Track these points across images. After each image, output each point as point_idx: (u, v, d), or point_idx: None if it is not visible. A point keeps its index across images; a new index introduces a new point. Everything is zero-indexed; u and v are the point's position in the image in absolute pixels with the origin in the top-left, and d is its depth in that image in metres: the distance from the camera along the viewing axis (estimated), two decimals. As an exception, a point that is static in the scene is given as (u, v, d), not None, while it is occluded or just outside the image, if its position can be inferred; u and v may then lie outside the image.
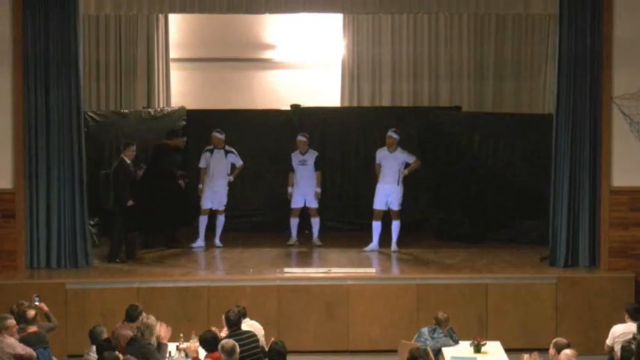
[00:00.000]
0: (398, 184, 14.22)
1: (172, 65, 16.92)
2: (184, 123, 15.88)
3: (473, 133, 15.80)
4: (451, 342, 10.32)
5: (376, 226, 14.34)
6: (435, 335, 10.25)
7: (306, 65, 17.01)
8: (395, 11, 14.77)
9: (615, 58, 12.75)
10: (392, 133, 14.33)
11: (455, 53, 16.84)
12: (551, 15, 15.21)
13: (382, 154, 14.38)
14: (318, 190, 14.74)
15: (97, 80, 16.48)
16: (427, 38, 16.87)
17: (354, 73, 16.93)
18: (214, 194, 14.52)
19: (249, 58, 17.04)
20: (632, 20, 12.75)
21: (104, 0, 12.98)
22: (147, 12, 14.62)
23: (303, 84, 16.94)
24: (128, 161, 13.65)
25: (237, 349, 8.82)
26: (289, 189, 14.79)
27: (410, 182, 14.39)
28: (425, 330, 10.36)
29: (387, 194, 14.27)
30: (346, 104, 16.95)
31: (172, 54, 16.93)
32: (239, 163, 14.62)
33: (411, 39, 16.88)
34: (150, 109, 16.09)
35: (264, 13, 14.20)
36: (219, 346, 8.85)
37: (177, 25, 16.94)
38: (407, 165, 14.25)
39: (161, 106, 16.53)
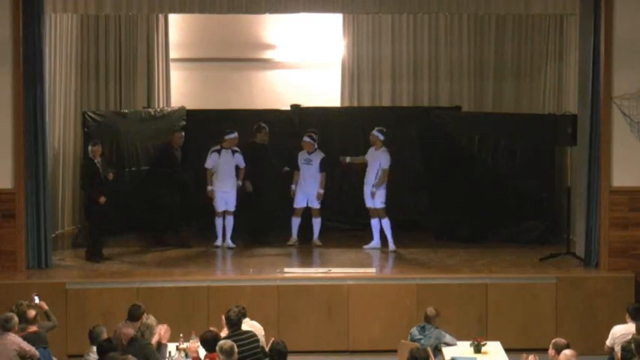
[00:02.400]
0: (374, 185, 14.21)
1: (172, 65, 16.90)
2: (184, 123, 15.90)
3: (473, 133, 15.81)
4: (445, 335, 10.23)
5: (374, 223, 14.36)
6: (426, 332, 10.17)
7: (306, 65, 17.00)
8: (395, 11, 14.74)
9: (615, 58, 12.75)
10: (374, 132, 14.35)
11: (455, 53, 16.83)
12: (551, 15, 15.24)
13: (370, 152, 14.46)
14: (321, 191, 14.72)
15: (96, 80, 16.47)
16: (427, 38, 16.86)
17: (354, 73, 16.92)
18: (225, 195, 14.48)
19: (249, 58, 17.04)
20: (632, 20, 12.75)
21: (104, 0, 12.97)
22: (147, 12, 14.59)
23: (303, 84, 16.94)
24: (95, 160, 13.57)
25: (236, 350, 8.81)
26: (293, 186, 14.82)
27: (410, 182, 14.37)
28: (414, 330, 10.28)
29: (368, 194, 14.28)
30: (346, 104, 16.93)
31: (172, 54, 16.92)
32: (242, 164, 14.59)
33: (411, 39, 16.87)
34: (150, 109, 16.06)
35: (264, 13, 14.18)
36: (217, 347, 8.84)
37: (177, 25, 16.93)
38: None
39: (161, 106, 16.51)
